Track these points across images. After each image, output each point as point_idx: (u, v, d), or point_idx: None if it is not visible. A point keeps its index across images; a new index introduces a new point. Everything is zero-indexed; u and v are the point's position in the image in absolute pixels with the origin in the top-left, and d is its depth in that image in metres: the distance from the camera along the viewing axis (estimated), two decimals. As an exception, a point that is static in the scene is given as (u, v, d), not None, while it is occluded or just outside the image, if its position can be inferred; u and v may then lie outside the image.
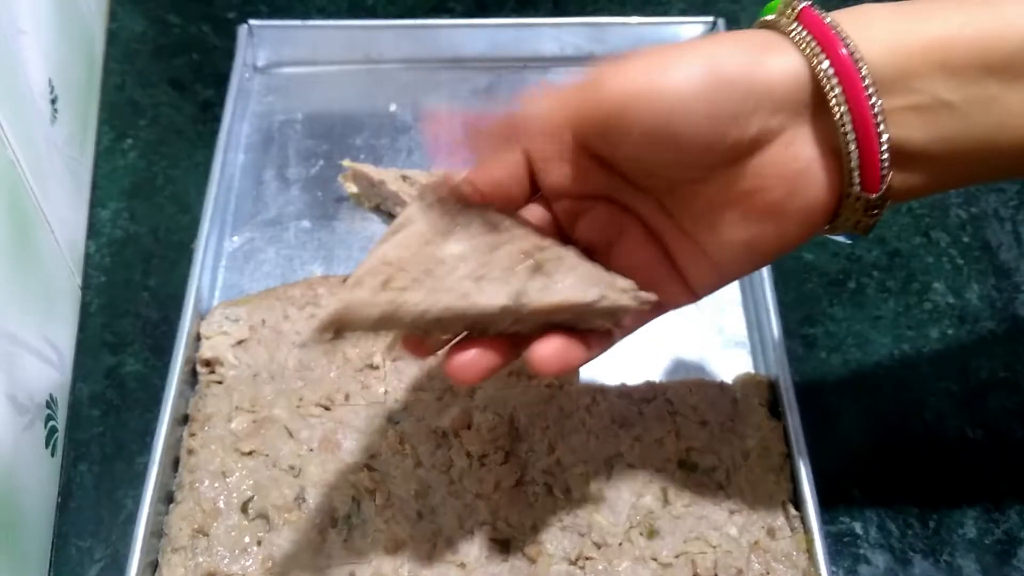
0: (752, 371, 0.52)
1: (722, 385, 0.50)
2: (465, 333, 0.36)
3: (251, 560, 0.44)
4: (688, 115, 0.32)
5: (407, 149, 0.62)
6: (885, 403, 0.52)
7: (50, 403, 0.49)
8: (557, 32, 0.65)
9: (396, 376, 0.49)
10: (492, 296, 0.33)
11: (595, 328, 0.36)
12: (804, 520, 0.45)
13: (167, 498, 0.46)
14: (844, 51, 0.32)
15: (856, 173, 0.33)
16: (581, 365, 0.37)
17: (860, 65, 0.31)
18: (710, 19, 0.64)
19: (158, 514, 0.45)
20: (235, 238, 0.58)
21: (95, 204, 0.59)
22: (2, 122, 0.45)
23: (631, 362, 0.50)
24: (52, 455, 0.49)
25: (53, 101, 0.55)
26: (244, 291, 0.55)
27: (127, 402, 0.51)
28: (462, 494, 0.45)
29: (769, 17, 0.34)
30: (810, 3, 0.33)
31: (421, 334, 0.35)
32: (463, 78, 0.65)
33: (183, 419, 0.49)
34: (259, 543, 0.44)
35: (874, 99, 0.32)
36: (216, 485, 0.46)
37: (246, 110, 0.63)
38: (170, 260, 0.57)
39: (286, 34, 0.65)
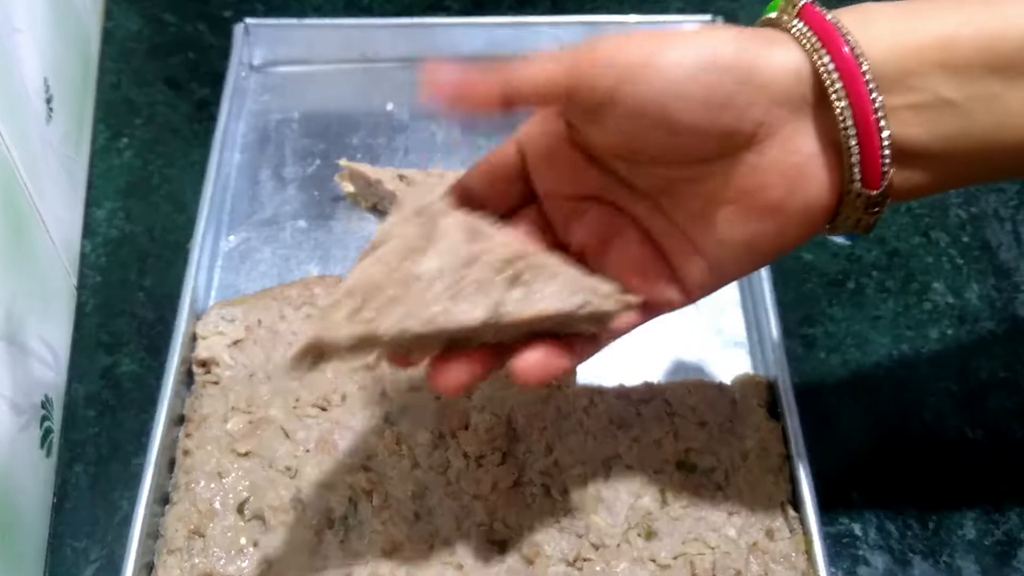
0: (751, 372, 0.52)
1: (721, 386, 0.49)
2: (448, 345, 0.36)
3: (247, 561, 0.43)
4: (681, 95, 0.32)
5: (404, 148, 0.62)
6: (884, 403, 0.52)
7: (45, 404, 0.49)
8: (555, 30, 0.65)
9: (393, 377, 0.49)
10: (469, 312, 0.33)
11: (580, 332, 0.36)
12: (803, 521, 0.45)
13: (163, 499, 0.46)
14: (846, 48, 0.31)
15: (857, 169, 0.32)
16: (566, 371, 0.37)
17: (861, 61, 0.31)
18: (708, 17, 0.64)
19: (154, 515, 0.45)
20: (231, 238, 0.58)
21: (91, 203, 0.59)
22: (-4, 121, 0.45)
23: (629, 363, 0.50)
24: (47, 456, 0.49)
25: (48, 100, 0.55)
26: (240, 291, 0.55)
27: (123, 402, 0.51)
28: (459, 495, 0.45)
29: (771, 15, 0.34)
30: (811, 0, 0.33)
31: (403, 352, 0.35)
32: (461, 77, 0.65)
33: (179, 420, 0.48)
34: (255, 544, 0.44)
35: (875, 94, 0.31)
36: (212, 486, 0.45)
37: (242, 109, 0.63)
38: (166, 260, 0.56)
39: (282, 33, 0.65)
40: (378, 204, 0.58)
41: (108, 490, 0.48)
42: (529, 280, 0.34)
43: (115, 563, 0.45)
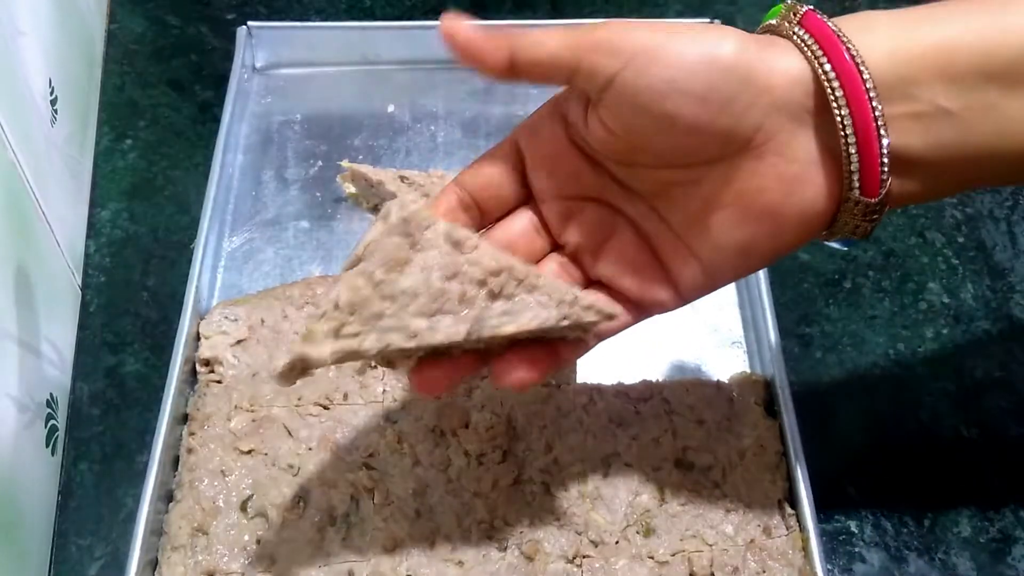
0: (748, 370, 0.52)
1: (718, 384, 0.50)
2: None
3: (250, 558, 0.44)
4: (681, 89, 0.32)
5: (405, 150, 0.62)
6: (881, 402, 0.52)
7: (50, 402, 0.49)
8: (555, 33, 0.65)
9: (394, 375, 0.49)
10: (452, 327, 0.34)
11: (565, 337, 0.37)
12: (800, 519, 0.45)
13: (167, 497, 0.46)
14: (847, 55, 0.32)
15: (856, 177, 0.33)
16: (549, 375, 0.37)
17: (863, 70, 0.31)
18: (706, 21, 0.64)
19: (158, 512, 0.45)
20: (234, 238, 0.58)
21: (95, 204, 0.59)
22: (2, 123, 0.46)
23: (628, 361, 0.50)
24: (52, 454, 0.49)
25: (53, 102, 0.55)
26: (243, 291, 0.55)
27: (127, 401, 0.52)
28: (460, 493, 0.45)
29: (772, 21, 0.34)
30: (812, 8, 0.33)
31: (385, 362, 0.36)
32: (461, 79, 0.65)
33: (183, 418, 0.49)
34: (258, 541, 0.44)
35: (875, 103, 0.32)
36: (215, 484, 0.46)
37: (245, 111, 0.63)
38: (169, 260, 0.57)
39: (284, 35, 0.65)
40: (379, 205, 0.59)
41: (112, 488, 0.49)
42: (511, 293, 0.34)
43: (119, 560, 0.45)
